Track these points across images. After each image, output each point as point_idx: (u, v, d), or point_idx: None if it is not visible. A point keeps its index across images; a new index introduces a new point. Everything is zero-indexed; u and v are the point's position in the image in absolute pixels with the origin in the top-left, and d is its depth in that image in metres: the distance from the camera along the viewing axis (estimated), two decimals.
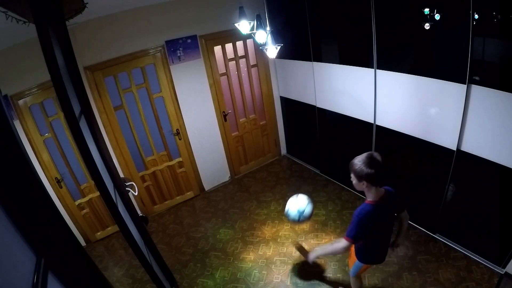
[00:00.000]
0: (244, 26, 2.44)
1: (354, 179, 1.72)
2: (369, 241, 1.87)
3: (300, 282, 2.61)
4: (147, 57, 3.27)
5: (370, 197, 1.74)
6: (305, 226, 3.18)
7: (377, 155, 1.67)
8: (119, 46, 3.07)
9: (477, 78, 2.04)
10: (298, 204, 2.28)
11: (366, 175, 1.63)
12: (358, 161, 1.66)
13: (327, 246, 2.08)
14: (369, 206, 1.72)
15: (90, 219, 3.44)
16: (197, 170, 3.96)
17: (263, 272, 2.75)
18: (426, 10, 2.13)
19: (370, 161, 1.63)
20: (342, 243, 1.78)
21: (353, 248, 2.04)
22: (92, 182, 3.30)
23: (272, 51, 2.31)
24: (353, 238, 1.76)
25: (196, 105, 3.68)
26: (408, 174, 2.92)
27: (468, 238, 2.55)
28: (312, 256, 2.08)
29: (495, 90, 1.95)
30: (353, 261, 2.08)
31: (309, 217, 2.30)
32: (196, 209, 3.85)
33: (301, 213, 2.24)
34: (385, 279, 2.47)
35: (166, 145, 3.71)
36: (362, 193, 1.84)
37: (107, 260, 3.23)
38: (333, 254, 2.18)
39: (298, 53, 3.61)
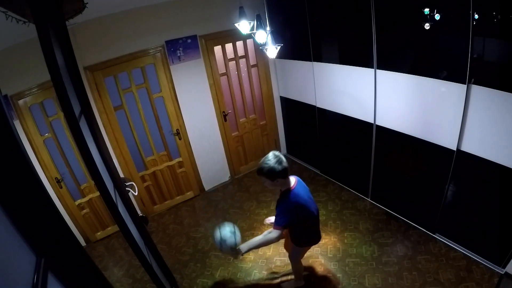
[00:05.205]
0: (244, 26, 2.44)
1: (266, 181, 1.88)
2: (304, 224, 2.00)
3: None
4: (147, 57, 3.27)
5: (285, 186, 1.93)
6: None
7: (278, 153, 1.88)
8: (119, 46, 3.07)
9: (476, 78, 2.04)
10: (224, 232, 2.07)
11: (279, 173, 1.82)
12: (265, 163, 1.83)
13: (259, 238, 1.99)
14: (291, 191, 1.91)
15: (90, 219, 3.44)
16: (197, 170, 3.96)
17: (263, 272, 2.75)
18: (426, 10, 2.12)
19: (277, 160, 1.83)
20: (274, 233, 1.91)
21: (286, 235, 2.18)
22: (92, 182, 3.30)
23: (272, 51, 2.31)
24: (285, 224, 1.91)
25: (196, 105, 3.68)
26: (408, 174, 2.92)
27: (468, 238, 2.55)
28: (244, 249, 1.98)
29: (495, 90, 1.95)
30: (291, 248, 2.20)
31: (229, 247, 2.04)
32: (196, 209, 3.85)
33: (223, 241, 2.03)
34: (385, 279, 2.47)
35: (166, 145, 3.71)
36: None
37: (107, 260, 3.23)
38: (267, 245, 2.10)
39: (298, 53, 3.61)
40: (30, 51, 2.27)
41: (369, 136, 3.04)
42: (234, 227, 2.11)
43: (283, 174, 1.85)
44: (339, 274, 2.59)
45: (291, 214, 1.91)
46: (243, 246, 2.00)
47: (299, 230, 2.08)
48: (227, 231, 2.08)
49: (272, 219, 2.22)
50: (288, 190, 1.93)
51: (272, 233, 1.93)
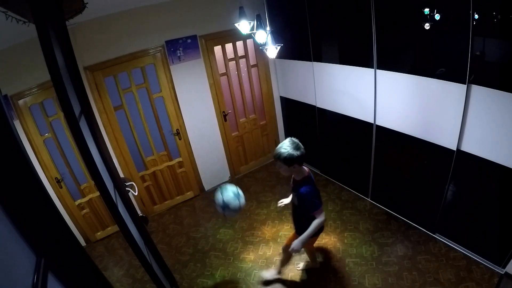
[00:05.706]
0: (244, 26, 2.44)
1: (282, 166, 1.90)
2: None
3: (299, 281, 2.60)
4: (147, 57, 3.27)
5: (301, 175, 2.00)
6: None
7: (296, 139, 1.90)
8: (119, 46, 3.07)
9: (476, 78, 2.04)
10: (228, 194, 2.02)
11: (297, 158, 1.84)
12: (284, 149, 1.86)
13: (309, 229, 1.99)
14: (308, 178, 2.00)
15: (90, 219, 3.44)
16: (197, 170, 3.96)
17: (263, 272, 2.75)
18: (426, 10, 2.13)
19: (295, 146, 1.86)
20: (321, 217, 1.95)
21: (294, 235, 2.22)
22: (92, 182, 3.30)
23: (272, 51, 2.31)
24: (321, 206, 1.97)
25: (196, 105, 3.68)
26: (408, 174, 2.92)
27: (468, 238, 2.55)
28: (299, 246, 1.98)
29: (495, 90, 1.95)
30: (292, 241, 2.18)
31: (234, 210, 2.02)
32: (196, 209, 3.85)
33: (226, 205, 1.97)
34: (385, 279, 2.47)
35: (166, 145, 3.71)
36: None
37: (107, 260, 3.23)
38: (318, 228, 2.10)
39: (298, 53, 3.61)
40: (30, 51, 2.27)
41: (369, 136, 3.04)
42: (237, 188, 2.05)
43: (301, 160, 1.89)
44: (339, 274, 2.59)
45: (318, 199, 1.98)
46: (297, 244, 1.97)
47: (307, 221, 2.02)
48: (229, 193, 2.00)
49: (285, 201, 2.30)
50: (308, 177, 2.02)
51: (320, 218, 1.95)
